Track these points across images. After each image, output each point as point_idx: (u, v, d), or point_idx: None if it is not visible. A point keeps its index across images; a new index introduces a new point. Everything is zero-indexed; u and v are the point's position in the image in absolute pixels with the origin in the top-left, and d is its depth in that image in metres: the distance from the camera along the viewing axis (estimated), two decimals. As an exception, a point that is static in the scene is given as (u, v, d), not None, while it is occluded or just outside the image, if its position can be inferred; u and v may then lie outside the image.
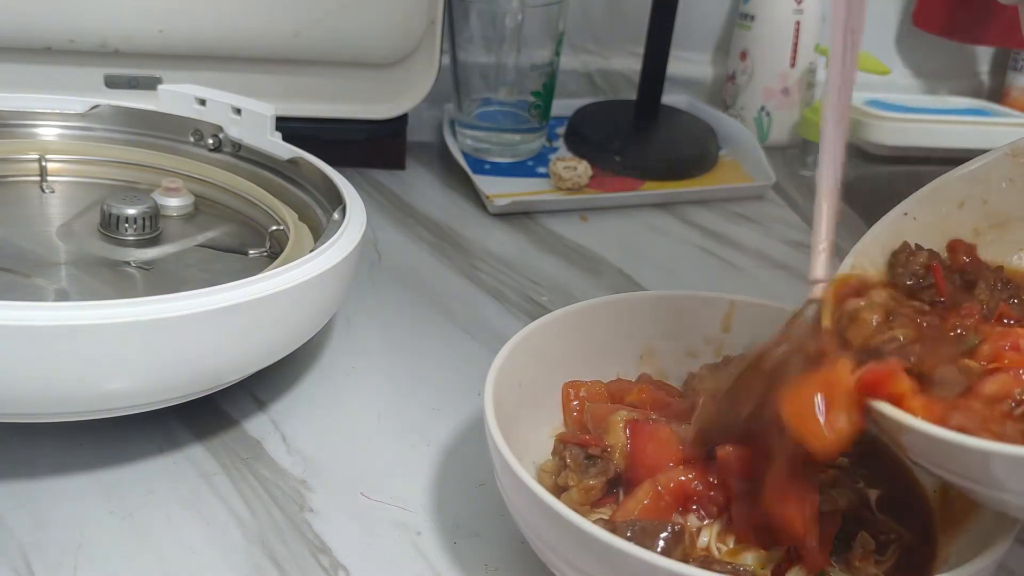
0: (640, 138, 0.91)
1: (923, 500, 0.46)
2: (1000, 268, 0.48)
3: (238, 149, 0.65)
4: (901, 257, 0.47)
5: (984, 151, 0.49)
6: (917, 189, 0.49)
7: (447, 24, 0.80)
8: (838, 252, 0.45)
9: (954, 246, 0.49)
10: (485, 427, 0.43)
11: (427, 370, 0.60)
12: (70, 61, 0.74)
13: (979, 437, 0.35)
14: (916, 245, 0.48)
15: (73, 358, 0.44)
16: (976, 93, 1.11)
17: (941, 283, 0.46)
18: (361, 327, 0.63)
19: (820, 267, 0.44)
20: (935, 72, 1.10)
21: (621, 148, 0.86)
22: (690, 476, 0.43)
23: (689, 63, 1.03)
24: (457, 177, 0.84)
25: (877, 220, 0.48)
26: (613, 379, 0.52)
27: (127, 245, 0.59)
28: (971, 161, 0.49)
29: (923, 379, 0.39)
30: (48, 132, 0.66)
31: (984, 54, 1.11)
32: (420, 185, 0.83)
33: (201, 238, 0.61)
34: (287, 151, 0.63)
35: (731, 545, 0.42)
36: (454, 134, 0.87)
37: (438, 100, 0.87)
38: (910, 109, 0.99)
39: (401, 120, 0.82)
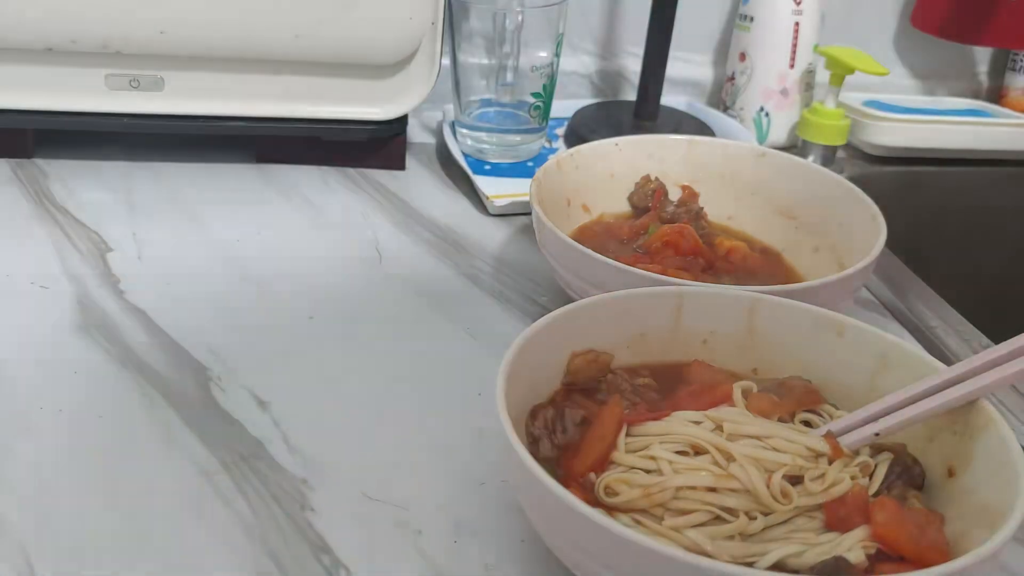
0: (639, 139, 0.91)
1: None
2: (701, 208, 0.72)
3: None
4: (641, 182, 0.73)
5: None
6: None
7: (447, 25, 0.80)
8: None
9: (684, 188, 0.74)
10: (501, 424, 0.42)
11: (427, 370, 0.60)
12: (72, 62, 0.74)
13: None
14: (656, 178, 0.73)
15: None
16: (974, 94, 1.11)
17: (658, 199, 0.71)
18: (362, 327, 0.63)
19: None
20: (933, 73, 1.10)
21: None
22: None
23: (689, 64, 1.03)
24: (457, 177, 0.85)
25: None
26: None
27: None
28: None
29: None
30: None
31: (982, 55, 1.11)
32: (420, 185, 0.83)
33: None
34: None
35: None
36: (454, 135, 0.87)
37: (438, 101, 0.88)
38: (908, 110, 0.99)
39: (401, 121, 0.82)
